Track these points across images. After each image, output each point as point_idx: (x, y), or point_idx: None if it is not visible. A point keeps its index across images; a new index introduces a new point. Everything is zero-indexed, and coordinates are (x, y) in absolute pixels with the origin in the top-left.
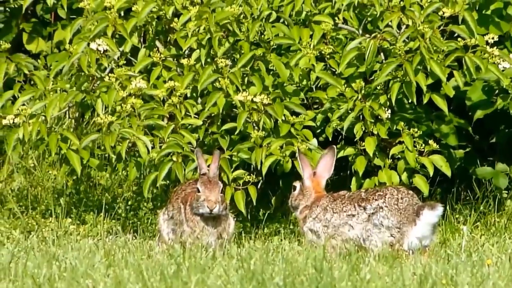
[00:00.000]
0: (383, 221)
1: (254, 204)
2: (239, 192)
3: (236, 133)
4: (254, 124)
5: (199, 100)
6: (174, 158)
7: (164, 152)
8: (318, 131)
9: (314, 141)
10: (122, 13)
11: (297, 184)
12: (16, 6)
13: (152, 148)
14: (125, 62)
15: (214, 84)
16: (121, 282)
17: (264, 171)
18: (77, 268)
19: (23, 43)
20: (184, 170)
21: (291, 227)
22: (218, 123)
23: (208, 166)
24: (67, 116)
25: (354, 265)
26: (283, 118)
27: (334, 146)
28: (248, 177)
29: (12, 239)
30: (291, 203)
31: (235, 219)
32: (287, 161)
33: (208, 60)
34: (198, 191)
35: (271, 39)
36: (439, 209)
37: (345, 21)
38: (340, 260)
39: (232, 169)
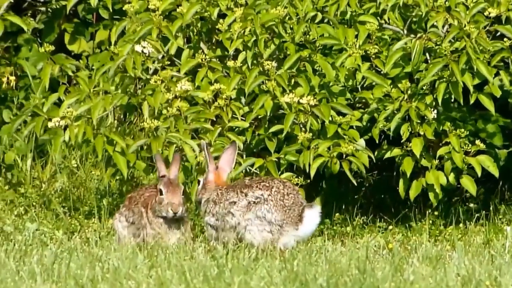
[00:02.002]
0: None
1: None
2: None
3: (283, 135)
4: (301, 126)
5: (243, 100)
6: None
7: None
8: (364, 131)
9: (361, 142)
10: (166, 14)
11: (200, 178)
12: (58, 6)
13: (199, 151)
14: (169, 63)
15: (261, 87)
16: (164, 284)
17: (312, 173)
18: (120, 269)
19: (65, 44)
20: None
21: (334, 228)
22: (265, 125)
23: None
24: (110, 116)
25: (397, 266)
26: (330, 119)
27: (236, 141)
28: (296, 179)
29: (55, 240)
30: (196, 198)
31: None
32: (335, 163)
33: (255, 61)
34: (161, 194)
35: (316, 39)
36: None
37: (389, 21)
38: (383, 260)
39: (279, 172)
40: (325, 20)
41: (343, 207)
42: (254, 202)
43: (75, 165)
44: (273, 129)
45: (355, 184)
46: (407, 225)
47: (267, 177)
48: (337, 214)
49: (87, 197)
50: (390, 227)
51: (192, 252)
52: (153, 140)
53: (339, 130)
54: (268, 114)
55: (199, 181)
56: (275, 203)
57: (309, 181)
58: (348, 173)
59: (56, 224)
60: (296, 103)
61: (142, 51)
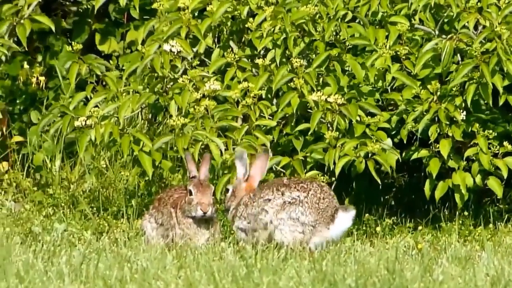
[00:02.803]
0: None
1: None
2: None
3: (309, 133)
4: (328, 125)
5: (274, 100)
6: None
7: None
8: (393, 132)
9: (388, 141)
10: (195, 13)
11: (229, 187)
12: (88, 6)
13: (225, 150)
14: (198, 62)
15: (289, 84)
16: (193, 284)
17: (337, 171)
18: (149, 269)
19: (95, 44)
20: None
21: (364, 228)
22: (292, 124)
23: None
24: (139, 117)
25: (426, 266)
26: (358, 119)
27: (268, 149)
28: (322, 178)
29: (83, 240)
30: (225, 206)
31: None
32: (361, 162)
33: (283, 60)
34: (190, 194)
35: (347, 39)
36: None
37: (421, 22)
38: (412, 261)
39: (305, 170)
40: (356, 20)
41: (373, 207)
42: (289, 202)
43: (104, 166)
44: (300, 127)
45: (380, 183)
46: (436, 225)
47: (306, 178)
48: (366, 214)
49: (115, 197)
50: (420, 227)
51: (221, 252)
52: (178, 138)
53: (367, 130)
54: (295, 111)
55: (227, 190)
56: (310, 205)
57: (334, 179)
58: (373, 172)
59: (84, 225)
60: (324, 101)
61: (171, 50)
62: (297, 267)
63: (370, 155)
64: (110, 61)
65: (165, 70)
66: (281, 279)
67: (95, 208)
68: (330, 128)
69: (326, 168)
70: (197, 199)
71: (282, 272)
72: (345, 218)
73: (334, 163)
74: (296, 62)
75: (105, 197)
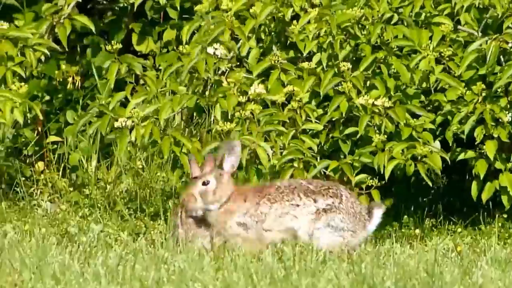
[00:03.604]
0: None
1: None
2: (362, 197)
3: (357, 137)
4: (375, 128)
5: (313, 102)
6: (295, 164)
7: (286, 159)
8: (437, 133)
9: (436, 144)
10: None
11: (210, 178)
12: (126, 5)
13: (273, 154)
14: (237, 63)
15: (336, 88)
16: (230, 286)
17: (387, 175)
18: (186, 271)
19: (132, 44)
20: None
21: (403, 230)
22: (340, 128)
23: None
24: (177, 117)
25: (466, 269)
26: (405, 121)
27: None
28: (371, 181)
29: (120, 241)
30: (204, 200)
31: None
32: (410, 165)
33: (329, 63)
34: None
35: (390, 40)
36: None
37: (458, 23)
38: (452, 263)
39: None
40: (399, 22)
41: (412, 209)
42: (324, 209)
43: (141, 167)
44: (348, 131)
45: (431, 185)
46: (476, 228)
47: (322, 181)
48: (405, 216)
49: (152, 198)
50: (459, 229)
51: (259, 254)
52: None
53: (413, 133)
54: (344, 116)
55: (208, 181)
56: (347, 211)
57: (383, 182)
58: (424, 175)
59: (121, 226)
60: (371, 105)
61: (214, 53)
62: (336, 269)
63: (420, 158)
64: (147, 60)
65: (209, 73)
66: (320, 281)
67: (131, 209)
68: (377, 131)
69: (376, 171)
70: None
71: (320, 274)
72: (380, 214)
73: (384, 167)
74: (344, 65)
75: (142, 198)
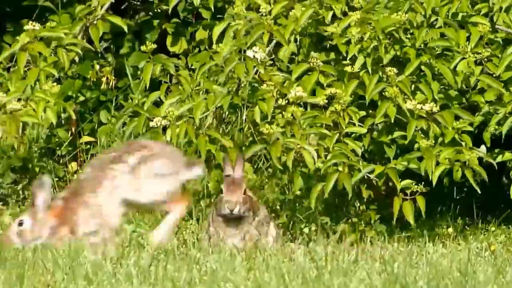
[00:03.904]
0: None
1: (423, 215)
2: (407, 203)
3: (407, 142)
4: (420, 132)
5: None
6: (340, 168)
7: (331, 162)
8: (472, 135)
9: (482, 148)
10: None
11: None
12: (160, 10)
13: (318, 157)
14: (271, 62)
15: (383, 93)
16: (262, 286)
17: (434, 180)
18: (218, 271)
19: (164, 43)
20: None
21: (436, 229)
22: (385, 132)
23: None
24: (210, 116)
25: (499, 268)
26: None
27: None
28: (416, 187)
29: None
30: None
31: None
32: (457, 170)
33: (374, 67)
34: (221, 192)
35: (429, 41)
36: None
37: (493, 22)
38: (485, 263)
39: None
40: (434, 22)
41: (444, 208)
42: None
43: None
44: (395, 135)
45: (479, 192)
46: (510, 226)
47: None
48: (438, 215)
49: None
50: (493, 228)
51: (291, 254)
52: (272, 146)
53: (456, 136)
54: (392, 121)
55: None
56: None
57: (429, 188)
58: (472, 182)
59: (153, 226)
60: (419, 109)
61: (254, 56)
62: (368, 269)
63: (467, 163)
64: (179, 60)
65: (248, 77)
66: (352, 281)
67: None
68: (422, 135)
69: (424, 176)
70: (226, 197)
71: (352, 274)
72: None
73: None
74: (390, 70)
75: None
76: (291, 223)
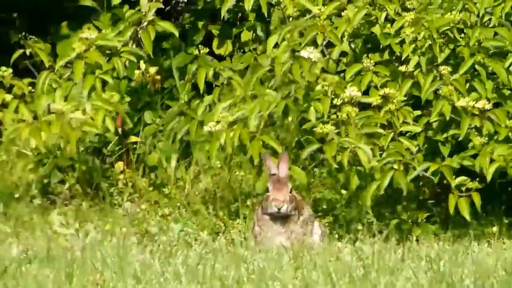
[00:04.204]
0: None
1: (479, 211)
2: (462, 199)
3: (460, 139)
4: (475, 130)
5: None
6: (395, 166)
7: (386, 161)
8: None
9: None
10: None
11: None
12: (204, 8)
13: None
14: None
15: (438, 92)
16: (309, 285)
17: (488, 178)
18: (265, 270)
19: (211, 46)
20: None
21: (481, 228)
22: (440, 130)
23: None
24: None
25: None
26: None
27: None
28: (471, 183)
29: (200, 240)
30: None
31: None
32: (511, 167)
33: (428, 67)
34: (267, 191)
35: (482, 41)
36: None
37: None
38: None
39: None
40: (486, 22)
41: (489, 207)
42: None
43: (219, 166)
44: (450, 133)
45: None
46: None
47: None
48: (483, 214)
49: (231, 197)
50: None
51: (338, 253)
52: (327, 146)
53: (510, 133)
54: (448, 118)
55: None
56: None
57: (484, 185)
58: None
59: (200, 225)
60: (471, 107)
61: (309, 56)
62: (414, 268)
63: None
64: (224, 61)
65: (304, 78)
66: (399, 279)
67: (211, 208)
68: (476, 133)
69: (471, 174)
70: (273, 195)
71: (399, 272)
72: None
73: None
74: (445, 69)
75: (221, 197)
76: (338, 222)
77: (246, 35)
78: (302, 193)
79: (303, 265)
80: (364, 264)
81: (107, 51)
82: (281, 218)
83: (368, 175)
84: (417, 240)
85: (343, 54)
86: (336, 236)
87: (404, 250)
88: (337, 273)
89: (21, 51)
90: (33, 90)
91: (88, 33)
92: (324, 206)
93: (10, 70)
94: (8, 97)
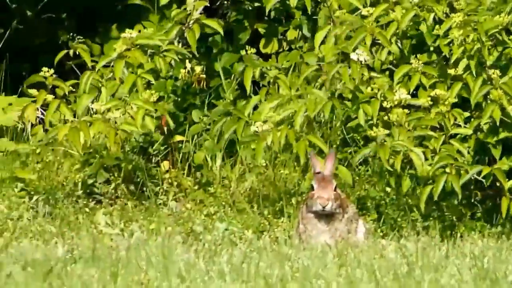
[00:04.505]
0: None
1: None
2: None
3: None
4: None
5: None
6: (448, 170)
7: (439, 164)
8: None
9: None
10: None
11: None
12: (250, 8)
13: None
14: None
15: (488, 97)
16: (353, 282)
17: None
18: (309, 268)
19: (253, 42)
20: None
21: None
22: (491, 133)
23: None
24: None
25: None
26: None
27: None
28: None
29: (244, 239)
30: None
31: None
32: None
33: (478, 70)
34: (312, 189)
35: None
36: None
37: None
38: None
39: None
40: None
41: None
42: None
43: (264, 164)
44: (501, 136)
45: None
46: None
47: None
48: None
49: (276, 196)
50: None
51: (382, 250)
52: (380, 149)
53: None
54: (498, 123)
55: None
56: None
57: None
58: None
59: (245, 224)
60: None
61: (358, 59)
62: (458, 265)
63: None
64: (270, 59)
65: (355, 81)
66: (443, 276)
67: (256, 207)
68: None
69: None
70: (318, 193)
71: (443, 269)
72: None
73: None
74: (494, 72)
75: (266, 195)
76: (382, 219)
77: (292, 33)
78: (346, 191)
79: (347, 262)
80: (408, 261)
81: (150, 51)
82: (326, 216)
83: (421, 179)
84: (461, 237)
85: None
86: (381, 233)
87: (448, 247)
88: (381, 270)
89: (65, 51)
90: (74, 90)
91: (129, 32)
92: (369, 204)
93: (52, 71)
94: (50, 97)
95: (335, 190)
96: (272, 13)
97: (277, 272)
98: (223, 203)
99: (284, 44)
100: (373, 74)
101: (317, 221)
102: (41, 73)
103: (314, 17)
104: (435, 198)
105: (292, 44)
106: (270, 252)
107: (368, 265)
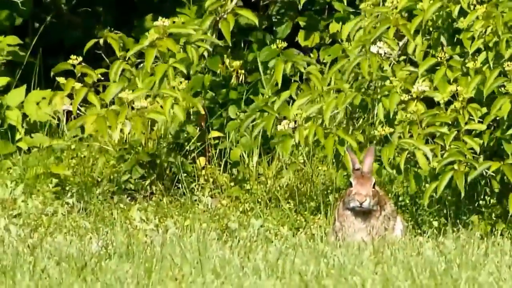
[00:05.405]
0: None
1: None
2: None
3: None
4: None
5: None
6: (456, 167)
7: (446, 161)
8: None
9: None
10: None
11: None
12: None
13: (434, 156)
14: (398, 59)
15: (499, 89)
16: (389, 280)
17: None
18: (345, 265)
19: (296, 38)
20: (466, 179)
21: None
22: (504, 127)
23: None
24: (340, 113)
25: None
26: None
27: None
28: None
29: (280, 236)
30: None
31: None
32: None
33: (496, 63)
34: (350, 186)
35: None
36: None
37: None
38: None
39: None
40: None
41: None
42: None
43: (302, 161)
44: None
45: None
46: None
47: None
48: None
49: (313, 193)
50: None
51: (419, 247)
52: (384, 148)
53: None
54: (506, 117)
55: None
56: None
57: None
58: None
59: (281, 221)
60: None
61: (378, 51)
62: (497, 263)
63: None
64: (311, 54)
65: (373, 74)
66: (481, 274)
67: (292, 204)
68: None
69: None
70: (356, 190)
71: (481, 267)
72: None
73: None
74: (509, 65)
75: (303, 192)
76: (420, 216)
77: (334, 27)
78: (385, 188)
79: (384, 260)
80: (446, 259)
81: (183, 41)
82: (363, 213)
83: (429, 177)
84: (501, 234)
85: None
86: (418, 231)
87: (488, 244)
88: (417, 267)
89: (95, 40)
90: (102, 78)
91: (162, 21)
92: (407, 201)
93: (80, 58)
94: (78, 85)
95: (373, 187)
96: (314, 6)
97: (312, 269)
98: (259, 199)
99: (326, 38)
100: (398, 66)
101: (354, 218)
102: (69, 61)
103: (358, 10)
104: (438, 195)
105: (335, 37)
106: (305, 249)
107: (405, 262)
